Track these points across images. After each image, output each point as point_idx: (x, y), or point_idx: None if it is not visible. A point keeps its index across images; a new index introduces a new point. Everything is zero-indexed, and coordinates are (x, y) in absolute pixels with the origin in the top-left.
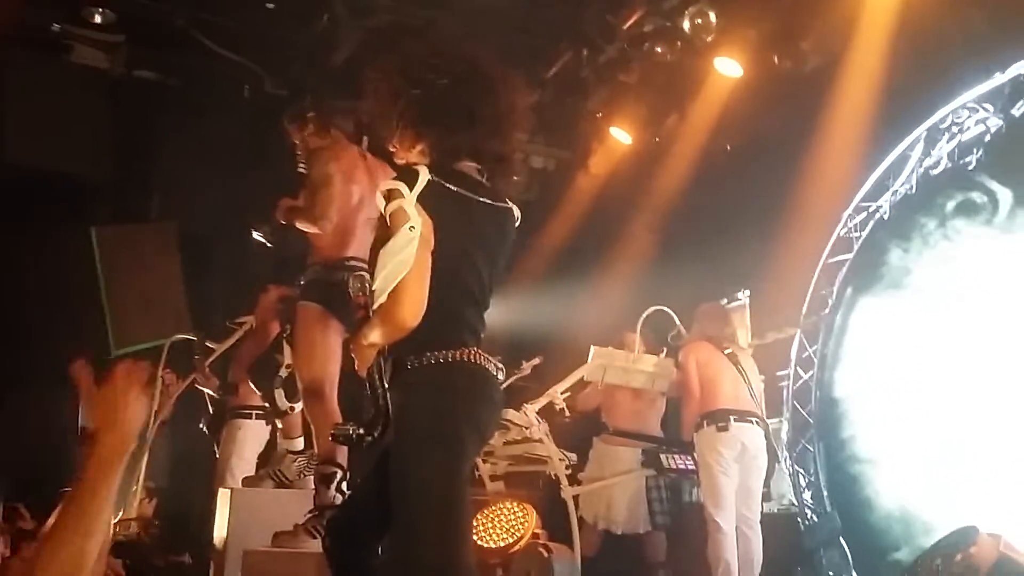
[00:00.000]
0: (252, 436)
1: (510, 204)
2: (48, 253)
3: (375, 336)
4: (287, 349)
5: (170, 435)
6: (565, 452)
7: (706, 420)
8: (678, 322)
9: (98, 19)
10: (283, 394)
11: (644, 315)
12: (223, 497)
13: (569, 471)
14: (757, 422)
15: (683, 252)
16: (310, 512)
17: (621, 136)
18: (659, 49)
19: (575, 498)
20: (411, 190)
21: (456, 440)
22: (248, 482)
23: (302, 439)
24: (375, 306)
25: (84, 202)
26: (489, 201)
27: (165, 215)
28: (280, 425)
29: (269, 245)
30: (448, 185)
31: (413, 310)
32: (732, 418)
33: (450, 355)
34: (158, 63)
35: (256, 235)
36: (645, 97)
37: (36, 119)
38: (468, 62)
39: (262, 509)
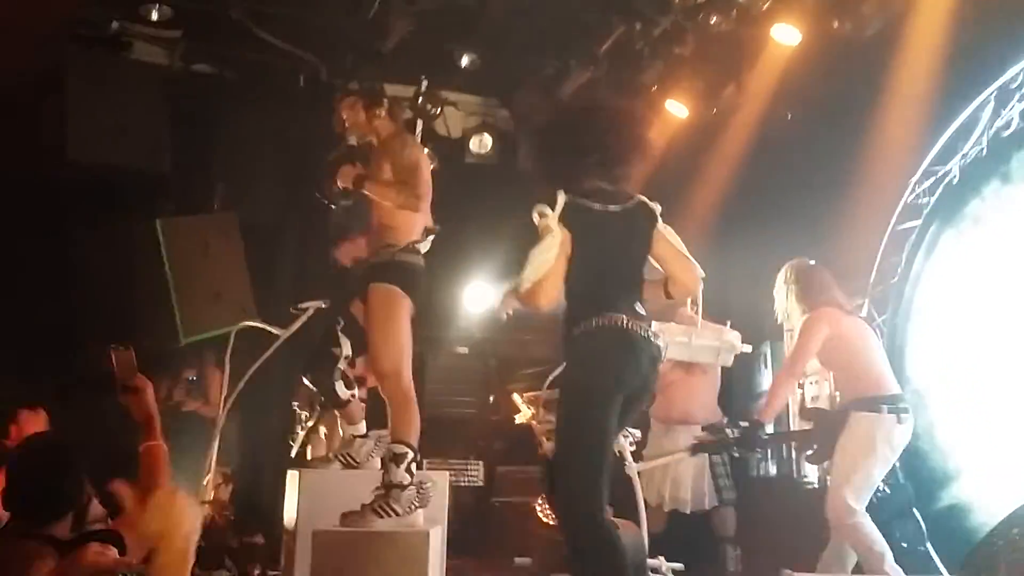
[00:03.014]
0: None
1: (635, 199)
2: (115, 248)
3: (515, 306)
4: (344, 341)
5: (240, 420)
6: (629, 428)
7: (886, 405)
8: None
9: (155, 16)
10: (342, 385)
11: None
12: (292, 479)
13: (633, 447)
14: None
15: (745, 224)
16: (376, 491)
17: (677, 110)
18: (714, 19)
19: (638, 478)
20: (552, 211)
21: (594, 390)
22: (316, 463)
23: (364, 423)
24: (521, 288)
25: (148, 196)
26: (617, 207)
27: (226, 206)
28: (339, 414)
29: (333, 207)
30: (581, 201)
31: (549, 297)
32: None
33: (601, 321)
34: (215, 57)
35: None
36: (701, 69)
37: (98, 117)
38: (598, 103)
39: (330, 490)
